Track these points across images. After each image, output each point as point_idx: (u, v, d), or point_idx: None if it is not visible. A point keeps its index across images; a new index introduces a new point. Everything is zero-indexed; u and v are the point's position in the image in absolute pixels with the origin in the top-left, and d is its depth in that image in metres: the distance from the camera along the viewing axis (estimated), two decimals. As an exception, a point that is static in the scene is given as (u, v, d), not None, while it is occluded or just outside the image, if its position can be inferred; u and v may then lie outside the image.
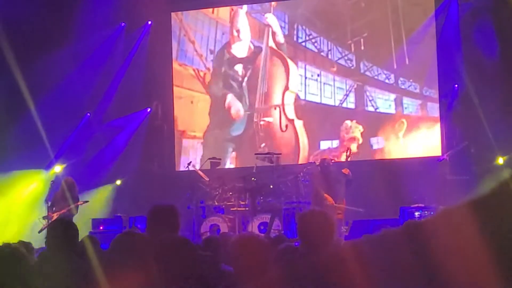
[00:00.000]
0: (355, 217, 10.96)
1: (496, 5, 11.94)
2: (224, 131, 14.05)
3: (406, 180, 11.57)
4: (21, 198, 12.92)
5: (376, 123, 13.24)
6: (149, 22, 14.19)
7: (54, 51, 12.55)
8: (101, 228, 11.90)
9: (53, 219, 10.32)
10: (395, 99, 13.21)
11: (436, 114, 12.93)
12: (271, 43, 13.90)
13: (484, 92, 11.55)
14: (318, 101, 13.61)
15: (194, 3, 14.38)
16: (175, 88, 14.35)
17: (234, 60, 14.12)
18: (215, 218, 11.41)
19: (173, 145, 14.27)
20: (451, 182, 11.34)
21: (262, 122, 13.82)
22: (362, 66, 13.38)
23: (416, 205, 11.06)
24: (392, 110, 13.23)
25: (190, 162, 12.93)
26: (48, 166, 12.80)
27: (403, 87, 13.15)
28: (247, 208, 11.43)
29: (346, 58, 13.50)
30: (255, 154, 12.44)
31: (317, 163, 11.42)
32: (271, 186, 11.51)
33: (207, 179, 12.05)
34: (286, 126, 13.67)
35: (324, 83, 13.61)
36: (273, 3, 13.96)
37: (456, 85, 12.46)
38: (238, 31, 14.13)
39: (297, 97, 13.68)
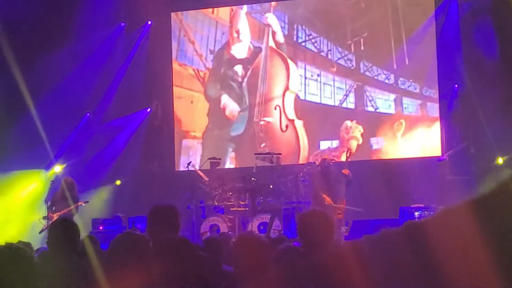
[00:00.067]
0: (355, 217, 10.96)
1: (496, 5, 11.93)
2: (224, 131, 14.05)
3: (406, 180, 11.56)
4: (20, 198, 12.92)
5: (376, 123, 13.23)
6: (149, 22, 14.19)
7: (54, 51, 12.56)
8: (100, 228, 11.90)
9: (53, 220, 10.31)
10: (395, 99, 13.21)
11: (436, 114, 12.92)
12: (271, 43, 13.90)
13: (484, 92, 11.55)
14: (318, 101, 13.61)
15: (194, 3, 14.38)
16: (175, 88, 14.35)
17: (234, 61, 14.11)
18: (215, 218, 11.41)
19: (173, 145, 14.27)
20: (451, 182, 11.35)
21: (262, 122, 13.82)
22: (362, 66, 13.38)
23: (416, 205, 11.06)
24: (392, 110, 13.23)
25: (190, 162, 12.93)
26: (48, 166, 12.80)
27: (403, 87, 13.15)
28: (247, 208, 11.43)
29: (346, 58, 13.50)
30: (255, 154, 12.44)
31: (317, 163, 11.43)
32: (271, 186, 11.51)
33: (207, 179, 12.05)
34: (287, 126, 13.67)
35: (324, 83, 13.60)
36: (273, 3, 13.95)
37: (456, 85, 12.46)
38: (237, 32, 14.13)
39: (297, 97, 13.69)
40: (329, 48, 13.62)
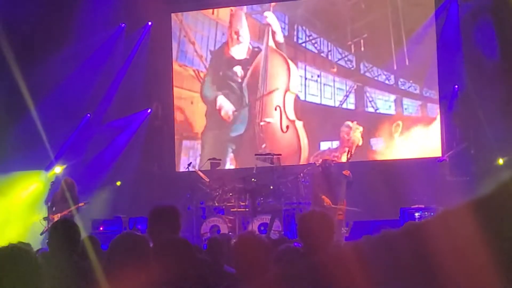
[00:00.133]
0: (355, 218, 10.96)
1: (496, 5, 11.93)
2: (224, 132, 14.04)
3: (406, 181, 11.54)
4: (21, 199, 12.91)
5: (376, 124, 13.23)
6: (149, 23, 14.18)
7: (54, 52, 12.56)
8: (101, 228, 11.90)
9: (53, 221, 10.31)
10: (395, 100, 13.21)
11: (436, 115, 12.92)
12: (271, 43, 13.89)
13: (484, 92, 11.55)
14: (318, 102, 13.61)
15: (194, 4, 14.38)
16: (175, 89, 14.35)
17: (233, 62, 14.11)
18: (215, 219, 11.41)
19: (173, 146, 14.27)
20: (451, 183, 11.34)
21: (262, 123, 13.82)
22: (362, 67, 13.38)
23: (416, 206, 11.06)
24: (392, 111, 13.22)
25: (190, 162, 12.94)
26: (48, 167, 12.80)
27: (403, 88, 13.15)
28: (247, 209, 11.43)
29: (346, 59, 13.50)
30: (255, 154, 12.45)
31: (318, 164, 11.43)
32: (271, 187, 11.51)
33: (207, 180, 12.05)
34: (287, 127, 13.67)
35: (324, 84, 13.61)
36: (272, 3, 13.95)
37: (456, 86, 12.45)
38: (237, 33, 14.12)
39: (297, 98, 13.68)
40: (329, 49, 13.62)
